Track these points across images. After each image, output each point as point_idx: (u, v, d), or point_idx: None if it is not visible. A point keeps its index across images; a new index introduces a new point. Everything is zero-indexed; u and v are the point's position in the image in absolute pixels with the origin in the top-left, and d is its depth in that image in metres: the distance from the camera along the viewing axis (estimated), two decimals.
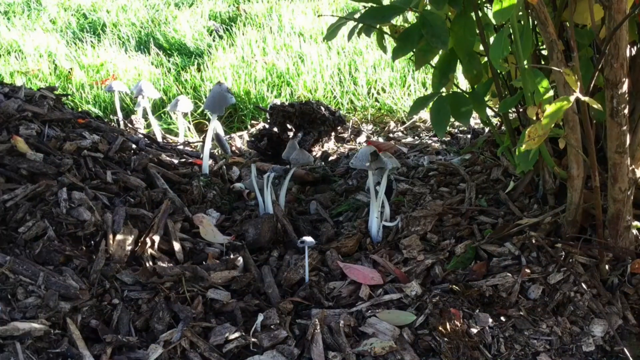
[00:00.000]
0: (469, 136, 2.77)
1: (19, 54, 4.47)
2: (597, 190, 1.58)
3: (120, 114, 2.99)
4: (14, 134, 2.02)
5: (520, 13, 1.56)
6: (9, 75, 3.90)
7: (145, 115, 3.06)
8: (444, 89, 1.81)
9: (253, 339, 1.49)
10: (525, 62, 1.52)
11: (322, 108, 2.73)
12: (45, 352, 1.39)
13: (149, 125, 3.05)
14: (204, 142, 2.41)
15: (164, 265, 1.75)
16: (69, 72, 3.96)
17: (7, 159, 1.91)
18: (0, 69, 3.99)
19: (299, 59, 4.08)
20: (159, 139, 2.80)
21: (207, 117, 3.37)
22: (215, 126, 2.45)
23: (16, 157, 1.93)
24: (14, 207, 1.77)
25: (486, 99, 1.92)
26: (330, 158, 2.72)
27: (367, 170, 2.27)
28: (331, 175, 2.49)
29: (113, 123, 2.93)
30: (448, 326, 1.49)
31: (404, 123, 3.19)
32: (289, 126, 2.67)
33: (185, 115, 3.07)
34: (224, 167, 2.42)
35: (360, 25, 1.83)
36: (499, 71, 1.82)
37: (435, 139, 2.82)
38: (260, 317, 1.55)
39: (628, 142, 1.49)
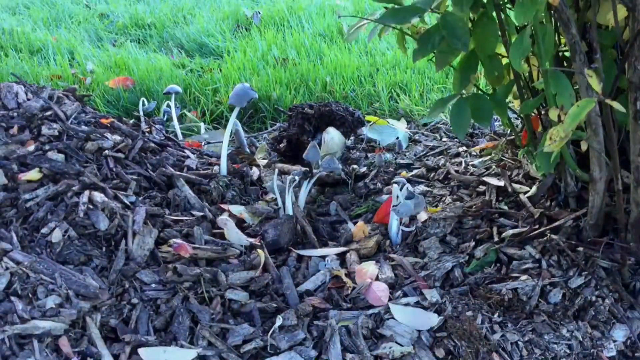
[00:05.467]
0: (489, 138, 2.75)
1: (42, 54, 4.52)
2: (619, 193, 1.56)
3: (142, 115, 3.01)
4: (36, 134, 2.05)
5: (542, 14, 1.55)
6: (32, 75, 3.95)
7: (169, 116, 3.10)
8: (464, 91, 1.79)
9: (271, 340, 1.50)
10: (547, 64, 1.50)
11: (341, 109, 2.72)
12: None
13: (169, 126, 3.08)
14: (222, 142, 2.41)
15: (183, 265, 1.76)
16: (91, 72, 4.00)
17: (29, 158, 1.93)
18: (24, 68, 4.04)
19: (319, 59, 4.09)
20: (180, 139, 2.82)
21: (223, 123, 3.38)
22: (235, 124, 2.45)
23: (38, 156, 1.95)
24: (35, 206, 1.79)
25: (507, 100, 1.91)
26: (349, 159, 2.71)
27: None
28: (351, 176, 2.49)
29: (134, 124, 2.95)
30: (467, 329, 1.47)
31: (424, 125, 3.18)
32: (307, 128, 2.67)
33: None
34: (245, 167, 2.43)
35: (381, 26, 1.83)
36: (520, 73, 1.80)
37: (456, 140, 2.81)
38: (279, 319, 1.55)
39: None
